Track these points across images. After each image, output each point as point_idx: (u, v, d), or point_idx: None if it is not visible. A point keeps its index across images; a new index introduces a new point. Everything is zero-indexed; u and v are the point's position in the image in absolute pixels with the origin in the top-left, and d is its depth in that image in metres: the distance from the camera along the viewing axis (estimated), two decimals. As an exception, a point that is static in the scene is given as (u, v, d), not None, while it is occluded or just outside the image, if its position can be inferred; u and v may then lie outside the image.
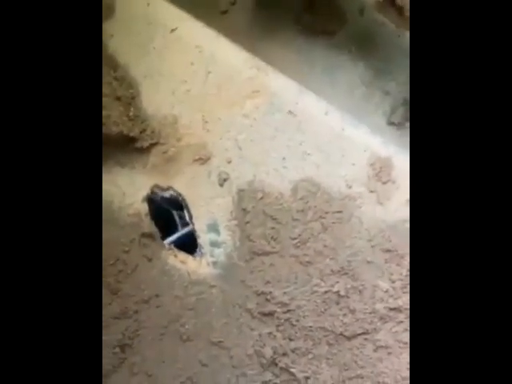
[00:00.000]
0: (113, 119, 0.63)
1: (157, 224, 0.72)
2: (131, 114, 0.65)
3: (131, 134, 0.66)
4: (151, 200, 0.72)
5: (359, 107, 0.76)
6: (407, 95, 0.78)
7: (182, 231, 0.74)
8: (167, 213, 0.76)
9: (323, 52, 0.77)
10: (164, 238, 0.73)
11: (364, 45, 0.78)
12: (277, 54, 0.74)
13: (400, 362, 0.69)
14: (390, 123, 0.77)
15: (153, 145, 0.69)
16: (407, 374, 0.70)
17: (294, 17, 0.77)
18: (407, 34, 0.72)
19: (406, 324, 0.69)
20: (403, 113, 0.77)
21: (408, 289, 0.68)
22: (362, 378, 0.70)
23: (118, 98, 0.64)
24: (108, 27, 0.65)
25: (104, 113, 0.62)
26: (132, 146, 0.68)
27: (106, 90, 0.64)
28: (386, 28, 0.75)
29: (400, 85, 0.78)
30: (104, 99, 0.62)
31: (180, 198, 0.71)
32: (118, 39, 0.65)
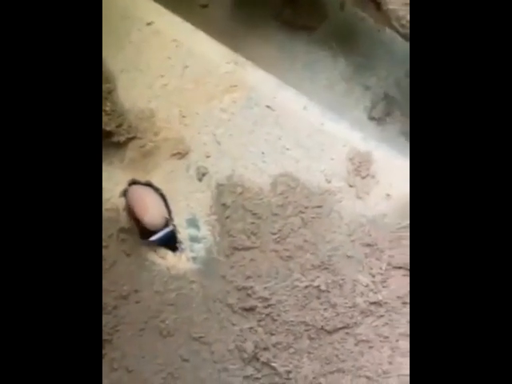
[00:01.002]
0: (89, 114, 0.64)
1: None
2: (108, 108, 0.65)
3: (108, 129, 0.66)
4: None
5: (340, 102, 0.76)
6: (388, 90, 0.79)
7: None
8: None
9: (304, 47, 0.77)
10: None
11: (344, 40, 0.78)
12: (257, 50, 0.74)
13: (381, 356, 0.70)
14: (371, 118, 0.77)
15: (130, 139, 0.69)
16: (388, 367, 0.70)
17: (275, 12, 0.76)
18: (387, 29, 0.73)
19: (387, 318, 0.69)
20: (384, 108, 0.78)
21: (388, 282, 0.68)
22: (344, 371, 0.71)
23: (94, 93, 0.64)
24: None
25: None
26: (109, 141, 0.68)
27: (81, 84, 0.64)
28: (366, 23, 0.75)
29: (381, 80, 0.78)
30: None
31: (158, 193, 0.71)
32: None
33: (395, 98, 0.79)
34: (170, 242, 0.73)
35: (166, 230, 0.73)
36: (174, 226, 0.71)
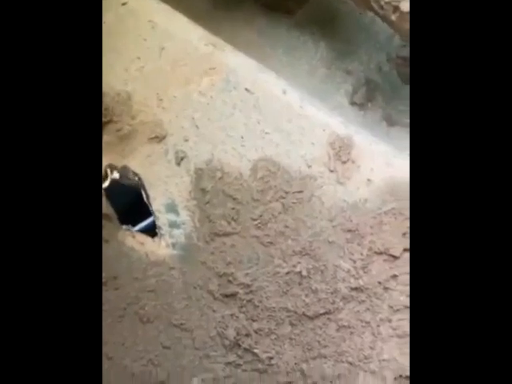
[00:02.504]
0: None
1: (113, 205, 0.72)
2: None
3: None
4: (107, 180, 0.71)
5: (321, 87, 0.77)
6: (369, 75, 0.79)
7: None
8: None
9: (284, 32, 0.78)
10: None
11: (325, 24, 0.78)
12: (237, 33, 0.75)
13: (363, 341, 0.70)
14: (352, 103, 0.78)
15: (106, 123, 0.69)
16: (370, 352, 0.71)
17: None
18: (368, 12, 0.72)
19: (368, 303, 0.70)
20: (365, 93, 0.78)
21: (369, 268, 0.68)
22: (325, 357, 0.71)
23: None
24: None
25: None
26: None
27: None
28: (347, 6, 0.75)
29: (362, 64, 0.79)
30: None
31: (136, 178, 0.71)
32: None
33: (377, 82, 0.80)
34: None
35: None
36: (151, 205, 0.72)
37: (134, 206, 0.76)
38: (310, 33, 0.76)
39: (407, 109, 0.78)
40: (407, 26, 0.59)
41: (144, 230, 0.75)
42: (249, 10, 0.77)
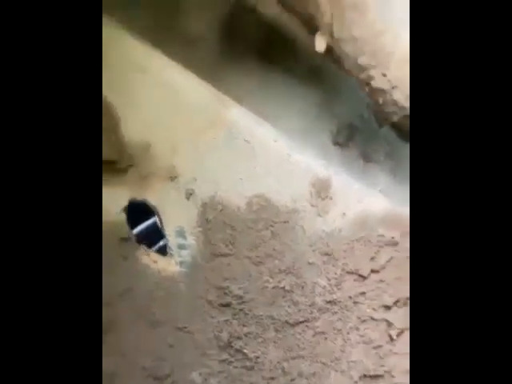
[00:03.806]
0: (98, 146, 0.69)
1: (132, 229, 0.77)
2: (113, 140, 0.70)
3: (112, 158, 0.71)
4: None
5: (309, 127, 0.82)
6: (351, 118, 0.83)
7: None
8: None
9: (280, 81, 0.82)
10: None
11: (316, 74, 0.82)
12: (239, 84, 0.80)
13: (335, 346, 0.75)
14: (335, 143, 0.83)
15: (129, 166, 0.73)
16: (340, 354, 0.76)
17: (256, 48, 0.81)
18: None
19: (340, 314, 0.74)
20: (347, 134, 0.83)
21: (341, 285, 0.73)
22: (303, 357, 0.76)
23: (103, 129, 0.67)
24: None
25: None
26: (113, 167, 0.73)
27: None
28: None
29: (346, 109, 0.83)
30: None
31: (153, 209, 0.76)
32: (100, 77, 0.69)
33: (357, 125, 0.83)
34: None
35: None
36: (164, 230, 0.75)
37: (150, 230, 0.81)
38: (303, 81, 0.80)
39: (381, 148, 0.83)
40: (379, 99, 0.63)
41: (157, 251, 0.78)
42: (249, 63, 0.81)
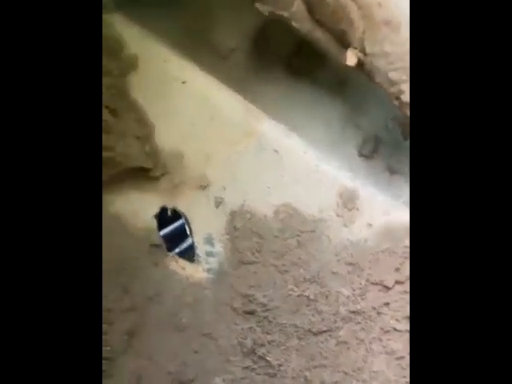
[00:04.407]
0: (133, 155, 0.71)
1: (163, 236, 0.79)
2: (147, 149, 0.72)
3: (147, 166, 0.73)
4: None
5: (335, 138, 0.82)
6: (377, 130, 0.83)
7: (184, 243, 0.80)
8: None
9: (307, 92, 0.82)
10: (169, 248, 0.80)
11: (341, 85, 0.83)
12: (266, 96, 0.80)
13: (357, 355, 0.76)
14: (361, 155, 0.83)
15: (163, 174, 0.75)
16: (362, 364, 0.76)
17: (285, 60, 0.82)
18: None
19: (363, 324, 0.75)
20: (372, 146, 0.83)
21: (365, 295, 0.74)
22: (325, 367, 0.77)
23: (138, 137, 0.71)
24: (131, 78, 0.72)
25: (127, 149, 0.70)
26: (147, 175, 0.75)
27: (128, 130, 0.71)
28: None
29: (371, 121, 0.83)
30: (127, 138, 0.70)
31: (183, 217, 0.78)
32: (138, 88, 0.72)
33: (383, 137, 0.83)
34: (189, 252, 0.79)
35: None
36: (193, 237, 0.77)
37: (179, 237, 0.82)
38: (329, 92, 0.80)
39: (405, 160, 0.83)
40: (407, 112, 0.65)
41: (186, 258, 0.80)
42: (277, 73, 0.82)
